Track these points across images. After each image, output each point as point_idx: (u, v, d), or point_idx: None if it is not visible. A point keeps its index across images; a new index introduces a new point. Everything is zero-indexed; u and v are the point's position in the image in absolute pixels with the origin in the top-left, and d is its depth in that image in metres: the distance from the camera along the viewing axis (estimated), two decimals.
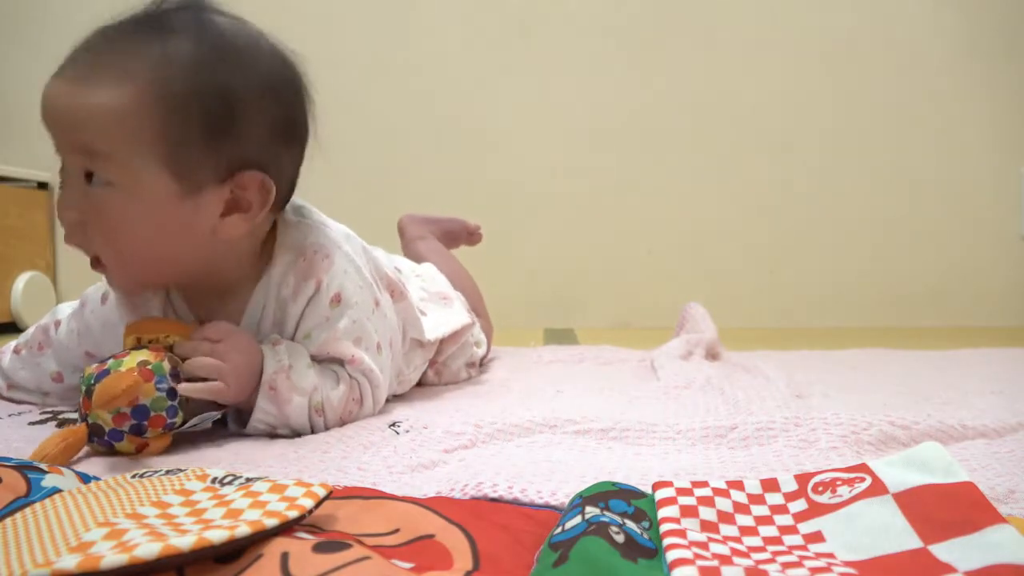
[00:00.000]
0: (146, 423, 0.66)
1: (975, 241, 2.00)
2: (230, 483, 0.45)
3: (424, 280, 1.08)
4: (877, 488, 0.42)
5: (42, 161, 2.08)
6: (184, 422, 0.69)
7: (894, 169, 2.00)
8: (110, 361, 0.68)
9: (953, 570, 0.35)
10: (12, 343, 0.90)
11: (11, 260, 1.92)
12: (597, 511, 0.42)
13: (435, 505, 0.45)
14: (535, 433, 0.71)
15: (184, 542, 0.34)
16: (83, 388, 0.68)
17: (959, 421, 0.71)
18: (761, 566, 0.37)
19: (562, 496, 0.52)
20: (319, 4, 2.04)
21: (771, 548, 0.40)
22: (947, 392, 0.93)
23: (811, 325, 1.97)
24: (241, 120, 0.71)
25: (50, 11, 2.07)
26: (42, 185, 2.08)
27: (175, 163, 0.69)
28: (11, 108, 2.10)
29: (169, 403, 0.67)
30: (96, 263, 0.73)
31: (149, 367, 0.67)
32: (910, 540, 0.38)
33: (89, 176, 0.68)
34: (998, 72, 1.96)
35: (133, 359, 0.68)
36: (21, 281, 1.91)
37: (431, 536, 0.40)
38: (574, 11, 2.02)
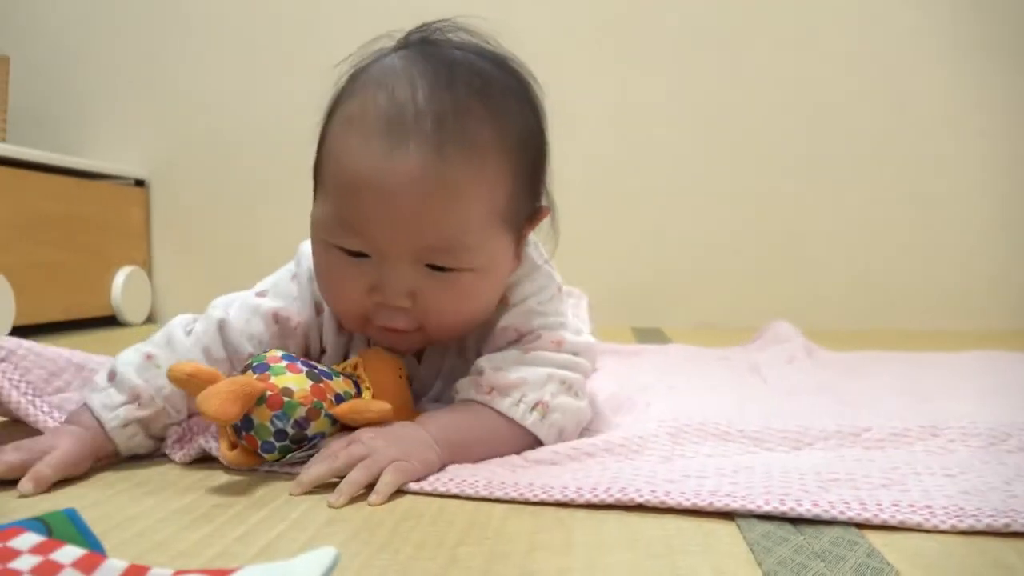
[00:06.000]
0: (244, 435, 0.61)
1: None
2: None
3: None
4: None
5: (139, 158, 2.15)
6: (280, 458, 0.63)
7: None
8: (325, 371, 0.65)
9: None
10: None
11: (110, 255, 1.97)
12: None
13: None
14: (659, 435, 0.69)
15: None
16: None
17: None
18: None
19: (696, 499, 0.53)
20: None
21: None
22: None
23: (904, 326, 1.91)
24: (546, 165, 0.71)
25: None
26: (139, 182, 2.13)
27: (515, 227, 0.68)
28: (110, 106, 2.16)
29: (272, 437, 0.61)
30: (396, 331, 0.66)
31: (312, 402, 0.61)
32: None
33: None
34: (998, 72, 1.89)
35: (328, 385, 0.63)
36: (121, 276, 1.96)
37: None
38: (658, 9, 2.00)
